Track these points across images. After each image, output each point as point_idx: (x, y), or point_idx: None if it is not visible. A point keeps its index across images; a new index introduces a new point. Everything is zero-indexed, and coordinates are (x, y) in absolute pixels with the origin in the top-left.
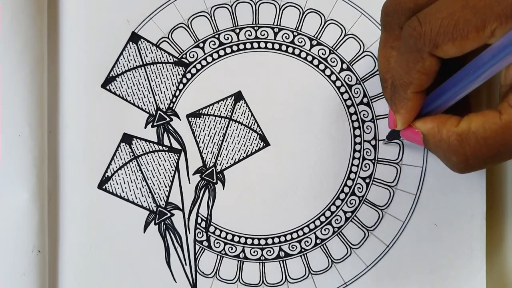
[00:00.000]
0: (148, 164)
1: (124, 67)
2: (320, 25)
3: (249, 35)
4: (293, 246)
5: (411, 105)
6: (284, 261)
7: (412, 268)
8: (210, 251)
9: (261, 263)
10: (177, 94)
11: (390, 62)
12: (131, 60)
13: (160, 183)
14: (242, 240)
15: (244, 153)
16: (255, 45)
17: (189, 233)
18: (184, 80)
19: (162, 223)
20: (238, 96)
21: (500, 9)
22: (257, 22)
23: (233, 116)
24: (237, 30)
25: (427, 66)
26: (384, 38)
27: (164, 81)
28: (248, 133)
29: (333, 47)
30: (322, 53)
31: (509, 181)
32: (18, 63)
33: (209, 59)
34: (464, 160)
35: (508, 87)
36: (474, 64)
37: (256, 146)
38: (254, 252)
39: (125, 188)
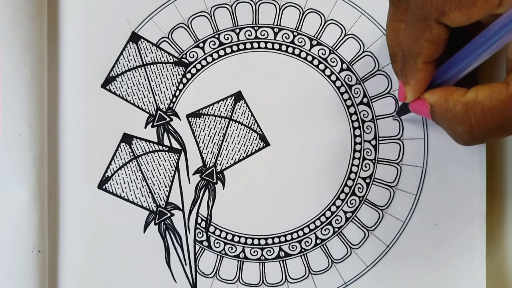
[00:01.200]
0: (148, 164)
1: (124, 67)
2: (320, 25)
3: (249, 35)
4: (293, 246)
5: (421, 76)
6: (284, 261)
7: (412, 268)
8: (210, 251)
9: (261, 263)
10: (177, 94)
11: (399, 35)
12: (131, 60)
13: (160, 183)
14: (242, 240)
15: (244, 153)
16: (255, 45)
17: (189, 233)
18: (184, 80)
19: (162, 223)
20: (238, 96)
21: None
22: (257, 22)
23: (233, 116)
24: (237, 30)
25: (435, 34)
26: (392, 11)
27: (164, 81)
28: (248, 133)
29: (333, 47)
30: (322, 53)
31: (509, 181)
32: (18, 63)
33: (209, 59)
34: (469, 130)
35: None
36: (484, 35)
37: (256, 146)
38: (254, 252)
39: (125, 188)
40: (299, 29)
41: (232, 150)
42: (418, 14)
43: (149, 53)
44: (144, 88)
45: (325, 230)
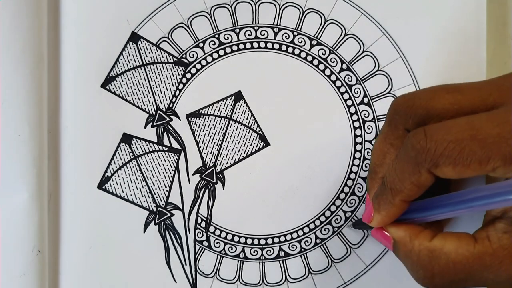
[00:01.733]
0: (148, 164)
1: (124, 67)
2: (320, 25)
3: (249, 35)
4: (293, 246)
5: (394, 210)
6: (284, 261)
7: None
8: (210, 251)
9: (261, 263)
10: (177, 94)
11: (386, 158)
12: (131, 60)
13: (160, 183)
14: (242, 240)
15: (244, 153)
16: (255, 45)
17: (189, 233)
18: (184, 80)
19: (162, 223)
20: (238, 96)
21: (507, 150)
22: (257, 22)
23: (233, 116)
24: (237, 30)
25: (422, 181)
26: (386, 132)
27: (164, 81)
28: (248, 133)
29: (333, 47)
30: (322, 53)
31: None
32: (18, 63)
33: (209, 59)
34: (431, 276)
35: (492, 217)
36: (468, 196)
37: (256, 146)
38: (254, 252)
39: (125, 188)
40: (299, 29)
41: (232, 150)
42: (411, 157)
43: (149, 53)
44: (144, 88)
45: (324, 230)
